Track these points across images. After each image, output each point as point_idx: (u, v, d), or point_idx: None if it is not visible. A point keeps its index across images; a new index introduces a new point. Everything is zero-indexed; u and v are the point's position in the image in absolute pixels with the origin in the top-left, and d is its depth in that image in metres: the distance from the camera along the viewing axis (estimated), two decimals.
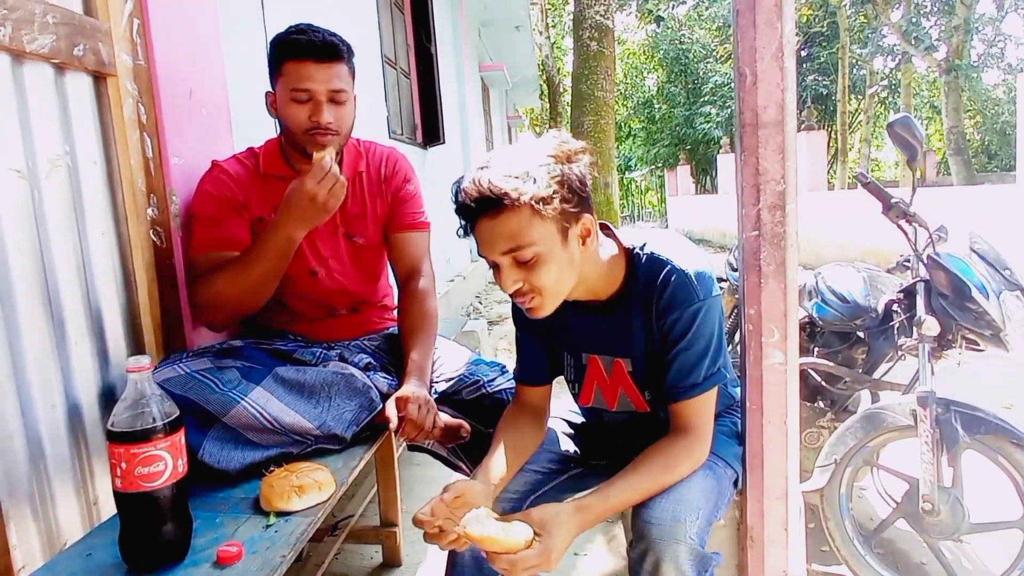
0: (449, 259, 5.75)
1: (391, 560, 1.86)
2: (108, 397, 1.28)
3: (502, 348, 4.40)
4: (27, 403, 1.09)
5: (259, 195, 1.49)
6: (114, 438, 0.87)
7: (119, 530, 0.94)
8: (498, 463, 1.13)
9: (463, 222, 1.02)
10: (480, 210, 0.98)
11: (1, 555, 0.98)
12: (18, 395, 1.07)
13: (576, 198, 1.00)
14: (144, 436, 0.88)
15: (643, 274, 1.10)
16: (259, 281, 1.37)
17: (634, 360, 1.16)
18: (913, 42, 13.76)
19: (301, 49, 1.39)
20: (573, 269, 1.04)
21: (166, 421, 0.90)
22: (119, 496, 0.91)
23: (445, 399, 1.53)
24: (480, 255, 1.03)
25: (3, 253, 1.06)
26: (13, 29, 1.05)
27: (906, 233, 1.77)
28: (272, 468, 1.20)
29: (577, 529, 0.98)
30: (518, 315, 1.27)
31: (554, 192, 0.96)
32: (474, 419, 1.48)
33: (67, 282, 1.19)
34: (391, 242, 1.63)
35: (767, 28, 0.99)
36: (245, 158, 1.53)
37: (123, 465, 0.88)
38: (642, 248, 1.12)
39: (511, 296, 1.05)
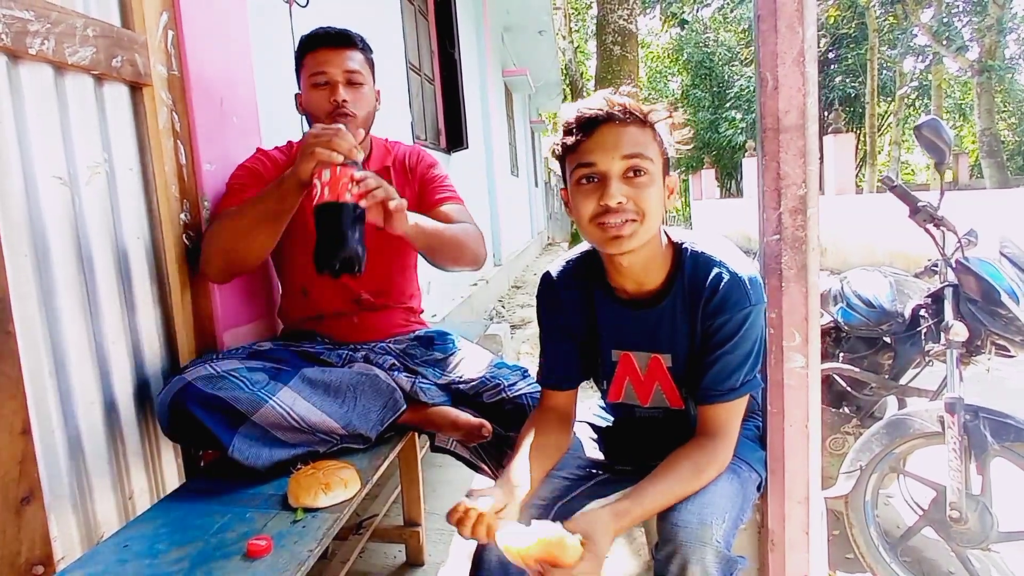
0: None
1: (414, 559, 1.88)
2: (143, 395, 1.32)
3: (524, 352, 4.41)
4: (67, 400, 1.13)
5: None
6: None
7: (315, 242, 1.16)
8: (522, 470, 1.11)
9: (572, 138, 1.04)
10: (610, 118, 1.02)
11: (43, 546, 1.02)
12: (59, 392, 1.12)
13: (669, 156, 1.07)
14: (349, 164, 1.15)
15: (689, 270, 1.10)
16: (257, 219, 1.34)
17: (675, 356, 1.15)
18: (944, 43, 13.49)
19: (317, 40, 1.52)
20: (661, 211, 1.06)
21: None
22: (325, 207, 1.14)
23: (466, 401, 1.55)
24: (583, 164, 1.03)
25: (46, 256, 1.10)
26: (56, 42, 1.10)
27: (934, 237, 1.75)
28: (299, 466, 1.23)
29: (615, 535, 0.98)
30: (544, 315, 1.27)
31: (680, 131, 1.06)
32: (495, 422, 1.49)
33: (105, 284, 1.23)
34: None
35: (788, 33, 1.00)
36: (284, 150, 1.63)
37: (326, 177, 1.14)
38: (690, 244, 1.12)
39: (605, 217, 1.02)
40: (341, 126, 1.24)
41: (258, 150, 1.59)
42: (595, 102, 1.03)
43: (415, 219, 1.39)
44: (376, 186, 1.23)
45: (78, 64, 1.15)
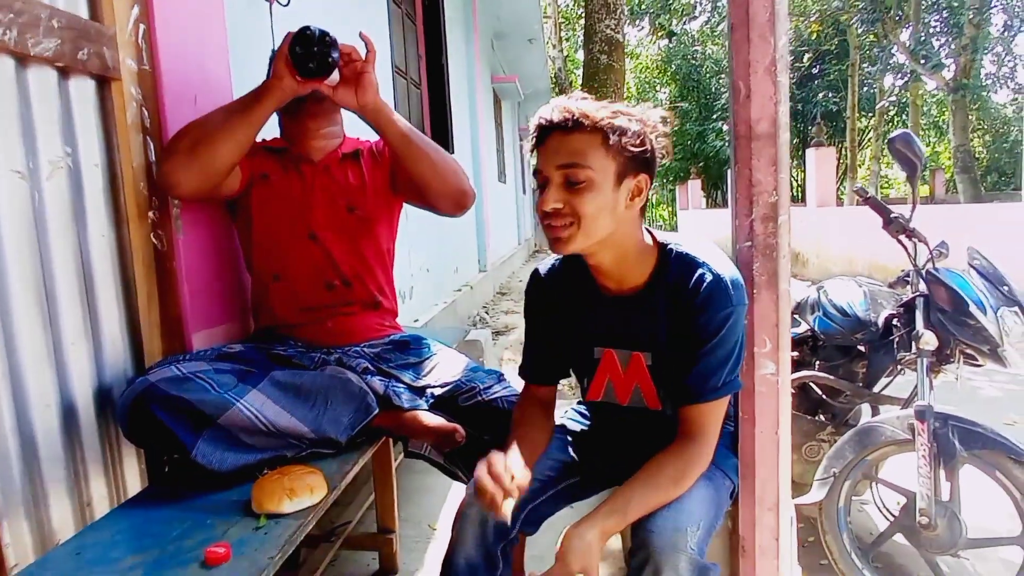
0: (457, 268, 5.76)
1: (387, 567, 1.86)
2: (104, 399, 1.29)
3: (508, 358, 4.40)
4: (22, 403, 1.10)
5: (268, 154, 1.59)
6: None
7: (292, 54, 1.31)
8: (515, 458, 1.12)
9: (536, 138, 1.09)
10: (558, 126, 1.04)
11: None
12: (13, 394, 1.08)
13: (643, 156, 1.07)
14: None
15: (674, 269, 1.12)
16: (231, 111, 1.40)
17: (655, 354, 1.17)
18: (921, 61, 13.75)
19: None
20: (613, 218, 1.07)
21: None
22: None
23: (441, 404, 1.53)
24: (535, 172, 1.09)
25: (1, 252, 1.07)
26: (18, 32, 1.07)
27: (906, 248, 1.77)
28: (265, 471, 1.20)
29: (602, 550, 1.00)
30: (531, 311, 1.29)
31: (629, 135, 1.03)
32: (470, 426, 1.48)
33: (65, 283, 1.20)
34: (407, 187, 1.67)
35: (760, 43, 1.00)
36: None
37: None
38: (675, 245, 1.14)
39: (546, 219, 1.07)
40: None
41: None
42: (548, 110, 1.06)
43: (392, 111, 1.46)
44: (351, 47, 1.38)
45: (41, 56, 1.12)
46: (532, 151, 1.11)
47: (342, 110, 1.61)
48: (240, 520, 1.08)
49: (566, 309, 1.24)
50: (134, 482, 1.36)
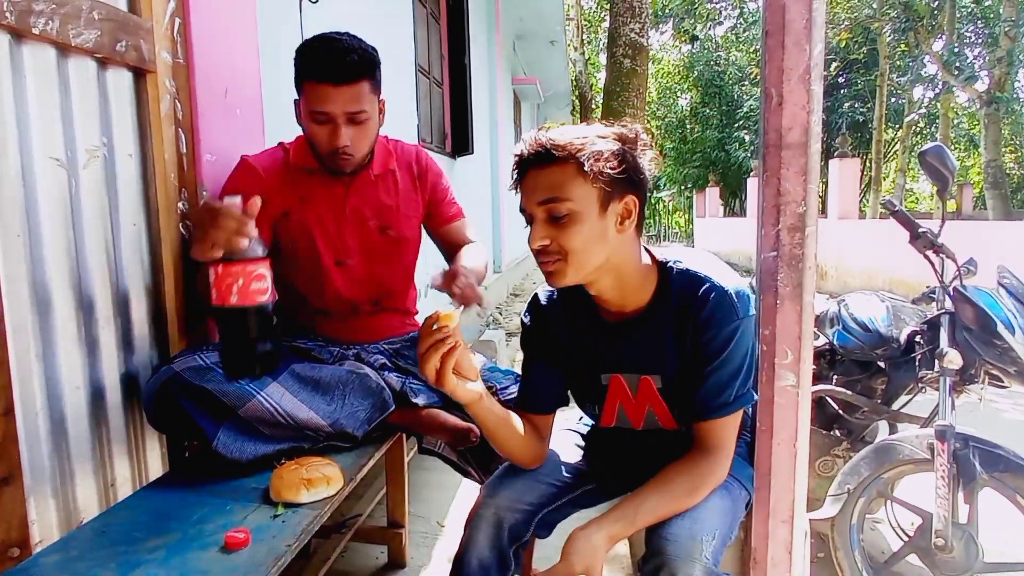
0: None
1: (396, 561, 1.87)
2: (130, 383, 1.31)
3: (519, 360, 4.40)
4: (53, 383, 1.12)
5: (286, 187, 1.49)
6: (229, 261, 1.04)
7: (222, 346, 1.14)
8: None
9: (515, 176, 1.06)
10: (533, 161, 1.02)
11: (20, 528, 1.01)
12: (45, 375, 1.11)
13: (627, 176, 1.02)
14: (256, 258, 1.06)
15: (677, 288, 1.09)
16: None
17: (664, 376, 1.14)
18: (954, 72, 13.52)
19: (320, 72, 1.37)
20: (604, 245, 1.03)
21: (267, 252, 1.09)
22: (232, 311, 1.06)
23: (457, 403, 1.54)
24: (520, 209, 1.06)
25: (39, 238, 1.10)
26: (61, 23, 1.10)
27: (933, 264, 1.75)
28: (283, 460, 1.22)
29: (607, 553, 1.01)
30: (529, 338, 1.24)
31: (605, 158, 0.99)
32: None
33: (98, 269, 1.23)
34: (438, 235, 1.72)
35: (795, 50, 0.99)
36: (274, 152, 1.54)
37: (240, 282, 1.05)
38: (675, 263, 1.11)
39: (537, 256, 1.06)
40: (239, 211, 1.05)
41: (242, 160, 1.49)
42: (521, 146, 1.04)
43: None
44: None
45: (82, 46, 1.15)
46: (513, 189, 1.07)
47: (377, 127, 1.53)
48: (258, 507, 1.10)
49: (568, 337, 1.20)
50: (156, 465, 1.39)
